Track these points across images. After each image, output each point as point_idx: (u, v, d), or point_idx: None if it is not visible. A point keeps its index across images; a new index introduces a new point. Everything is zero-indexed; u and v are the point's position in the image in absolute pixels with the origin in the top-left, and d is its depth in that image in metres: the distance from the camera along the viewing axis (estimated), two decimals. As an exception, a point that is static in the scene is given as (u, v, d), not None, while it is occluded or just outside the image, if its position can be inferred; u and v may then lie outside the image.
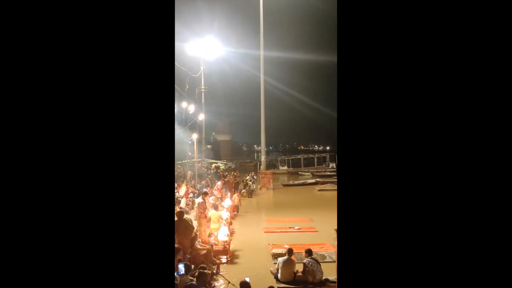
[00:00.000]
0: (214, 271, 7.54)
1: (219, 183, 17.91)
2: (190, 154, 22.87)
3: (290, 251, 7.13)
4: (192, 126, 22.62)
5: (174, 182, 8.96)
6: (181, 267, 5.77)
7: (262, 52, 25.68)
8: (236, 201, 15.41)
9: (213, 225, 9.97)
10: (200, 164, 24.23)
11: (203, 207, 10.21)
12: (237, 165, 38.86)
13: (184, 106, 20.69)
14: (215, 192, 15.22)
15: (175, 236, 7.77)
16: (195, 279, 5.69)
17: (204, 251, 7.81)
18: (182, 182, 16.71)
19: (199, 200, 10.70)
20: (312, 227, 12.29)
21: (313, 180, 27.66)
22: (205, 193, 11.30)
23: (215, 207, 10.68)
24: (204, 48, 23.49)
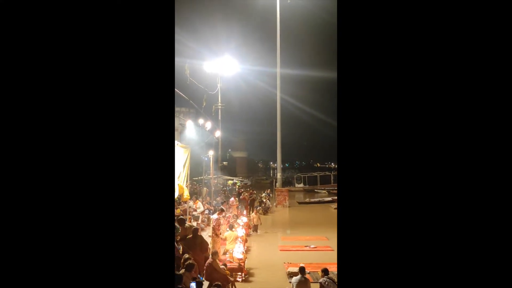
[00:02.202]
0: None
1: (231, 199, 17.72)
2: (206, 171, 22.97)
3: (302, 269, 7.01)
4: (209, 142, 22.79)
5: (174, 189, 8.92)
6: (193, 286, 5.75)
7: (278, 70, 25.90)
8: (255, 220, 15.04)
9: (229, 246, 9.91)
10: (216, 181, 24.27)
11: (218, 223, 10.18)
12: (253, 182, 38.75)
13: (201, 123, 20.89)
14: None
15: (190, 252, 7.76)
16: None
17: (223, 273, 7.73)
18: (197, 198, 16.71)
19: (214, 216, 10.68)
20: (328, 246, 12.12)
21: (330, 198, 27.30)
22: (222, 210, 11.26)
23: (231, 227, 10.60)
24: (221, 66, 23.82)
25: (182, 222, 8.82)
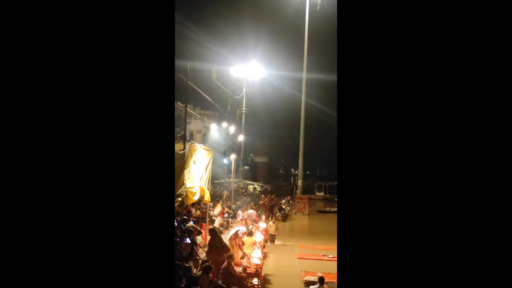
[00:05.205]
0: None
1: (251, 211, 15.92)
2: (228, 174, 23.07)
3: (321, 280, 6.95)
4: (231, 146, 22.88)
5: (174, 188, 8.84)
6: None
7: (304, 74, 25.76)
8: (272, 229, 14.05)
9: (246, 250, 9.86)
10: (236, 185, 24.31)
11: (236, 236, 9.99)
12: (273, 188, 38.62)
13: (224, 126, 21.03)
14: (242, 215, 14.86)
15: (208, 254, 7.78)
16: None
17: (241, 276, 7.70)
18: (218, 201, 16.74)
19: (243, 229, 10.35)
20: (347, 257, 11.93)
21: (350, 208, 26.90)
22: (250, 233, 10.38)
23: (250, 234, 10.46)
24: (247, 71, 23.89)
25: (183, 221, 8.44)
